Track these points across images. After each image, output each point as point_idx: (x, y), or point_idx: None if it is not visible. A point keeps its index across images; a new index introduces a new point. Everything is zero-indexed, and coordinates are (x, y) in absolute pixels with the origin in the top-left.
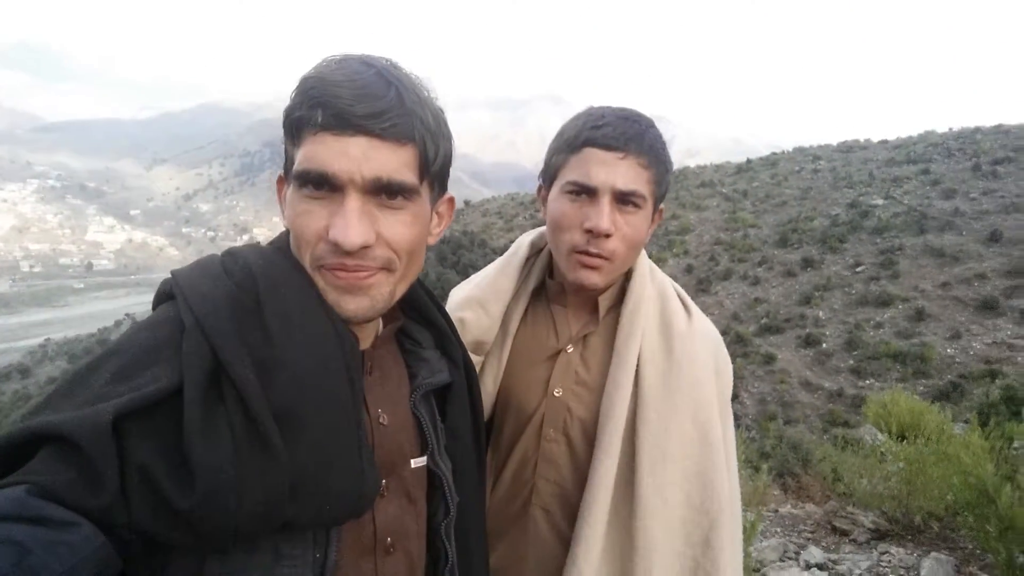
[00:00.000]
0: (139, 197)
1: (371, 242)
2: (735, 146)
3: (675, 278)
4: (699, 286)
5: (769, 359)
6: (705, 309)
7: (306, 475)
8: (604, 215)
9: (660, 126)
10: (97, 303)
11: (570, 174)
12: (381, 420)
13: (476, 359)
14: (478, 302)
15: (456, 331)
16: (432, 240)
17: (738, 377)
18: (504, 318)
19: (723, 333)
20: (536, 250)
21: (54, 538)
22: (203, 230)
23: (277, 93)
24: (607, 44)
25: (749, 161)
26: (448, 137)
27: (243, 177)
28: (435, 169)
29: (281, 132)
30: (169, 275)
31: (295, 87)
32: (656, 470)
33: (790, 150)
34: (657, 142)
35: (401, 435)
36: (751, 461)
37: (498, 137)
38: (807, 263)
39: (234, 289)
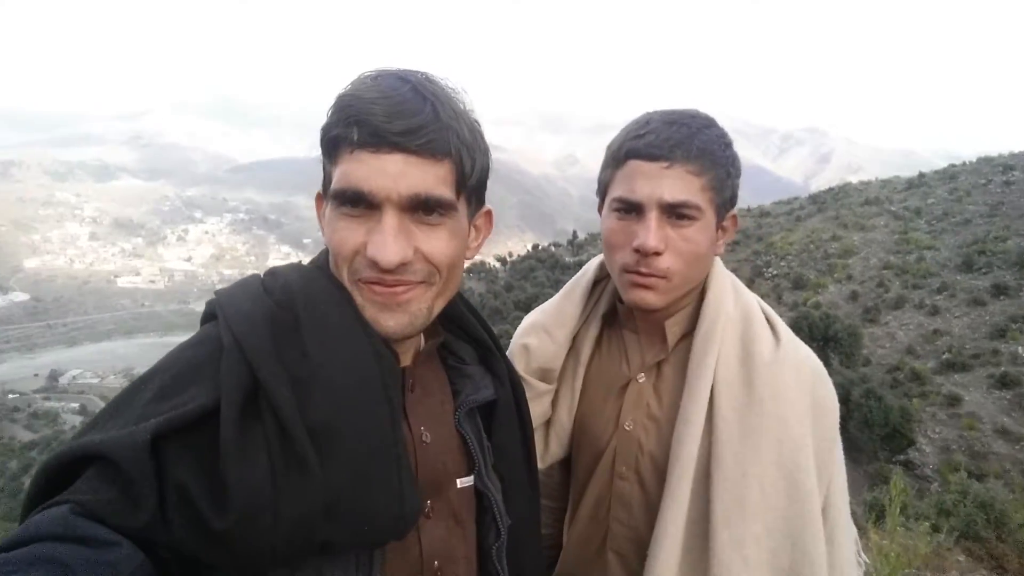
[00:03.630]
0: (311, 227)
1: (409, 259)
2: (904, 159)
3: (837, 306)
4: (866, 315)
5: (953, 400)
6: (874, 341)
7: (342, 494)
8: (651, 232)
9: (814, 140)
10: None
11: (616, 190)
12: (424, 438)
13: (546, 387)
14: (543, 328)
15: (500, 346)
16: (471, 254)
17: (915, 420)
18: (575, 345)
19: (895, 369)
20: (607, 272)
21: (96, 557)
22: None
23: None
24: (748, 54)
25: (922, 175)
26: (485, 150)
27: None
28: (472, 183)
29: None
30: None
31: (331, 105)
32: (732, 521)
33: (972, 161)
34: (713, 144)
35: (445, 454)
36: (927, 516)
37: None
38: (999, 290)
39: (273, 307)
